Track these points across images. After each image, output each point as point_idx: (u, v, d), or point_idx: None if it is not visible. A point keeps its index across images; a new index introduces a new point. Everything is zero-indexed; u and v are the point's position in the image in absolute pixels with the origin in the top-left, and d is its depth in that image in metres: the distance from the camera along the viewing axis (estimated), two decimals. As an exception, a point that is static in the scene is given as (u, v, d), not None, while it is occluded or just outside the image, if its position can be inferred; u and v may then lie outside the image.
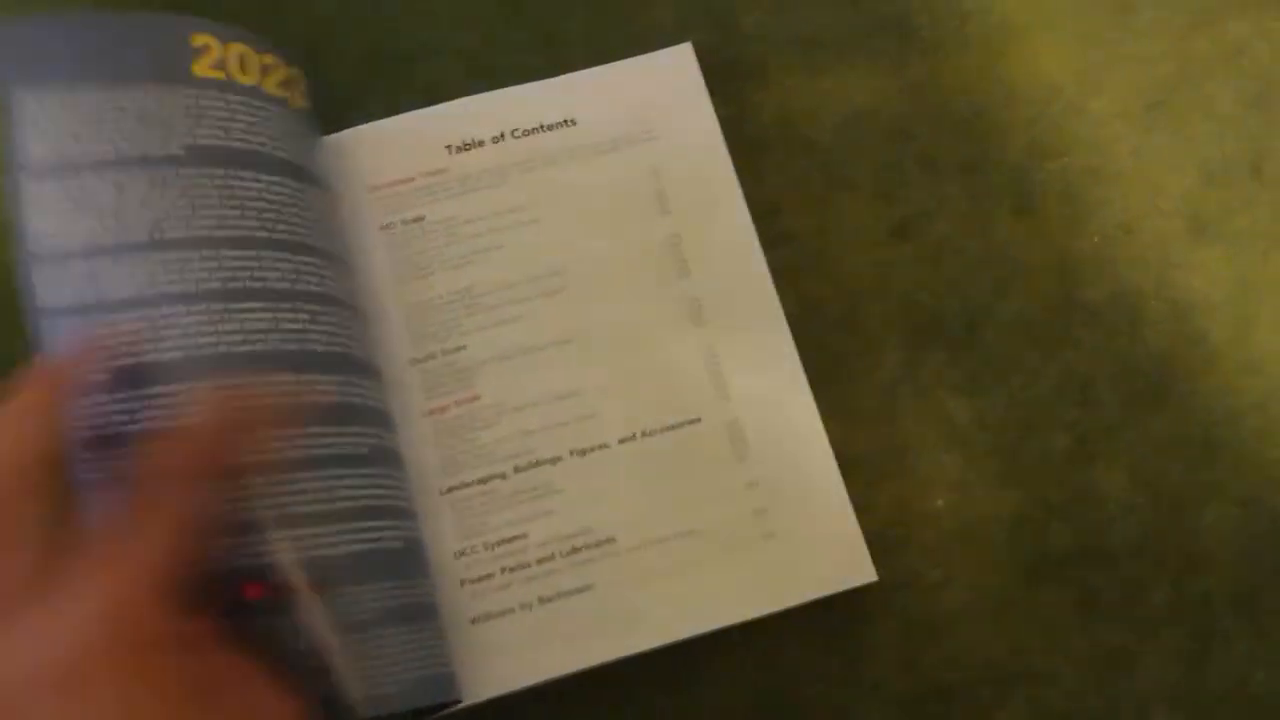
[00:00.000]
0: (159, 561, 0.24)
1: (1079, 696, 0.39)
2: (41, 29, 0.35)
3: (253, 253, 0.36)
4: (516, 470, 0.39)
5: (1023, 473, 0.41)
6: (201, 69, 0.37)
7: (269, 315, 0.35)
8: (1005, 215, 0.43)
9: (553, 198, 0.42)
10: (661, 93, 0.44)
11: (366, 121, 0.42)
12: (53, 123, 0.35)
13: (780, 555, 0.39)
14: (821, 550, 0.39)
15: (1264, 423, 0.41)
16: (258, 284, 0.36)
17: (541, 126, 0.43)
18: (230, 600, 0.31)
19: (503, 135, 0.43)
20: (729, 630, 0.38)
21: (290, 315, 0.36)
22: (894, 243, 0.43)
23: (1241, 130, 0.44)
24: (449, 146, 0.42)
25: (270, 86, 0.39)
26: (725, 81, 0.44)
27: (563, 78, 0.44)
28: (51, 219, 0.34)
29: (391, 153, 0.42)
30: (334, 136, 0.42)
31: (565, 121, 0.43)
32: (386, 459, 0.37)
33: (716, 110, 0.43)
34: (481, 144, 0.43)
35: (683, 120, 0.43)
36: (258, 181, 0.37)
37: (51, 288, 0.34)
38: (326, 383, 0.36)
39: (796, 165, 0.44)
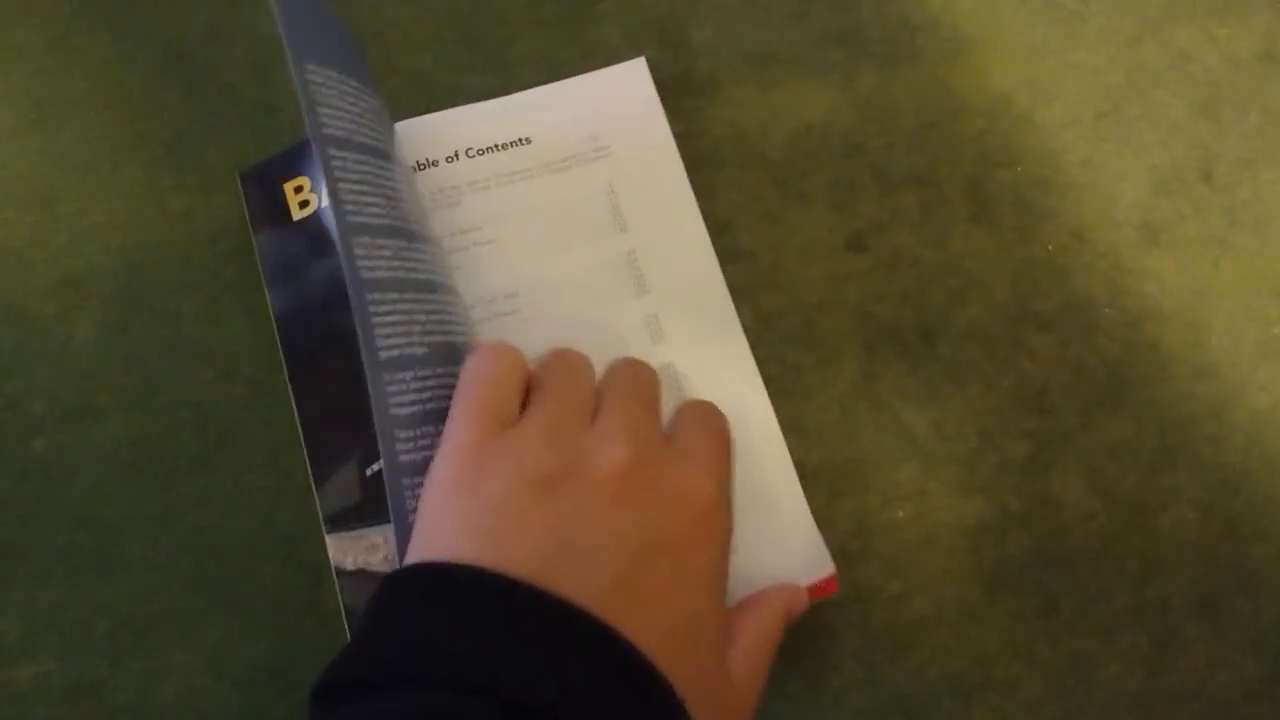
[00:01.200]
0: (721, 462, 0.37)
1: (1042, 704, 0.39)
2: (314, 10, 0.36)
3: (429, 245, 0.38)
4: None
5: (981, 482, 0.41)
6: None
7: (446, 304, 0.37)
8: (959, 226, 0.43)
9: (508, 217, 0.42)
10: (616, 108, 0.44)
11: (319, 144, 0.42)
12: (335, 99, 0.35)
13: (742, 569, 0.38)
14: (784, 563, 0.38)
15: (1218, 427, 0.41)
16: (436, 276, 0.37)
17: (495, 145, 0.43)
18: None
19: (456, 155, 0.43)
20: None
21: (448, 304, 0.37)
22: (849, 255, 0.43)
23: (1191, 137, 0.45)
24: (402, 167, 0.42)
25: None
26: (676, 97, 0.44)
27: (517, 95, 0.44)
28: (355, 191, 0.34)
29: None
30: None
31: (519, 140, 0.43)
32: None
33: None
34: (435, 164, 0.42)
35: (637, 135, 0.43)
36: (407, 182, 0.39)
37: (368, 260, 0.33)
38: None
39: (749, 180, 0.44)
